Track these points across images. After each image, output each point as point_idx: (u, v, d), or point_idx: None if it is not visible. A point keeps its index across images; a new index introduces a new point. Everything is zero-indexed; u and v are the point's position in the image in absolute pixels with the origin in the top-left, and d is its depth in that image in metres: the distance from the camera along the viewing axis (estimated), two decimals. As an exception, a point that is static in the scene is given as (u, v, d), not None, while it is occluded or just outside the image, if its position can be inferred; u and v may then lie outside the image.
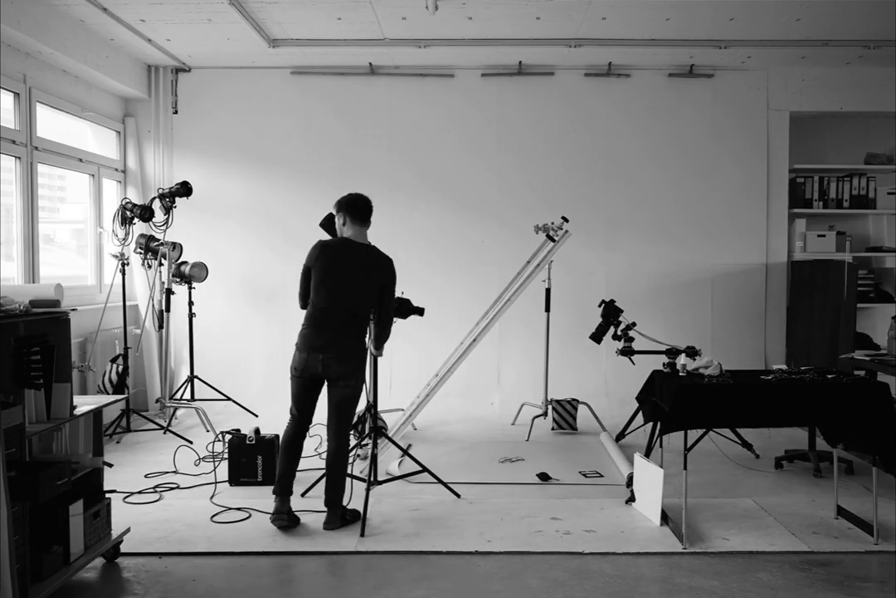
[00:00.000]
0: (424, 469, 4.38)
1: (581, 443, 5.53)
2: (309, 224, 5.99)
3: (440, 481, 4.34)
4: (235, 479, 4.51)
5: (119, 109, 6.50)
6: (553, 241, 5.42)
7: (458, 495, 4.27)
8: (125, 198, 5.99)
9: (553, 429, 5.83)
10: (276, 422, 5.85)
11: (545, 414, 5.88)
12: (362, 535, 3.69)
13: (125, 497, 4.24)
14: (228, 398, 6.26)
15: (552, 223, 5.47)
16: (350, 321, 3.83)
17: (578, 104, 6.57)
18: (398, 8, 5.11)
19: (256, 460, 4.50)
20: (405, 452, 4.53)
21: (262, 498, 4.19)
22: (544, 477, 4.61)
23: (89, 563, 3.23)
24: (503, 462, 4.99)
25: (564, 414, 5.82)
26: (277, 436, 4.58)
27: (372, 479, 4.19)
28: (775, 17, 5.29)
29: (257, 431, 4.55)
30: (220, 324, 6.60)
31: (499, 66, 6.49)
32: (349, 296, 3.82)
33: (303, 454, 3.99)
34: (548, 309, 5.95)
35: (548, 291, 5.93)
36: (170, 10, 5.10)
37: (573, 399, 5.88)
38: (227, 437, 4.63)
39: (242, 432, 4.62)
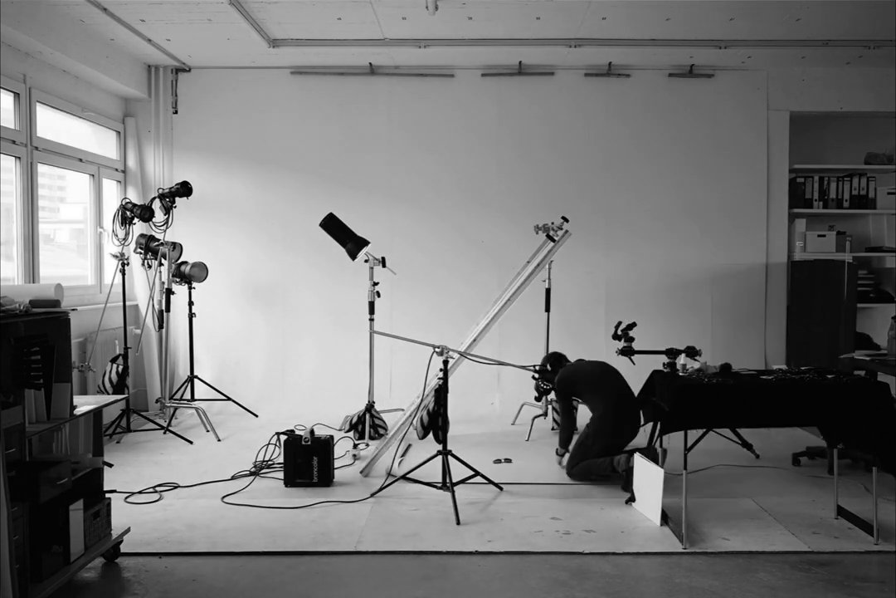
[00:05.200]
0: (476, 472, 4.42)
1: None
2: (309, 224, 6.02)
3: (486, 479, 4.41)
4: (291, 480, 4.47)
5: (119, 109, 6.50)
6: (553, 241, 5.42)
7: (501, 489, 4.41)
8: (125, 198, 5.99)
9: (553, 429, 5.82)
10: (276, 422, 5.89)
11: (545, 414, 5.88)
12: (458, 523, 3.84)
13: (125, 497, 4.24)
14: (228, 398, 6.26)
15: (552, 223, 5.47)
16: None
17: (578, 104, 6.57)
18: (398, 8, 5.11)
19: (312, 461, 4.46)
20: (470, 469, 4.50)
21: (287, 497, 4.20)
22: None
23: (89, 563, 3.23)
24: (497, 463, 4.99)
25: None
26: (332, 437, 4.60)
27: (448, 482, 4.22)
28: (775, 17, 5.29)
29: (312, 432, 4.52)
30: (220, 324, 6.61)
31: (499, 66, 6.49)
32: None
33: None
34: (548, 309, 5.95)
35: (548, 291, 5.93)
36: (170, 10, 5.10)
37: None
38: (283, 438, 4.56)
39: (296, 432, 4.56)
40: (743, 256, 6.62)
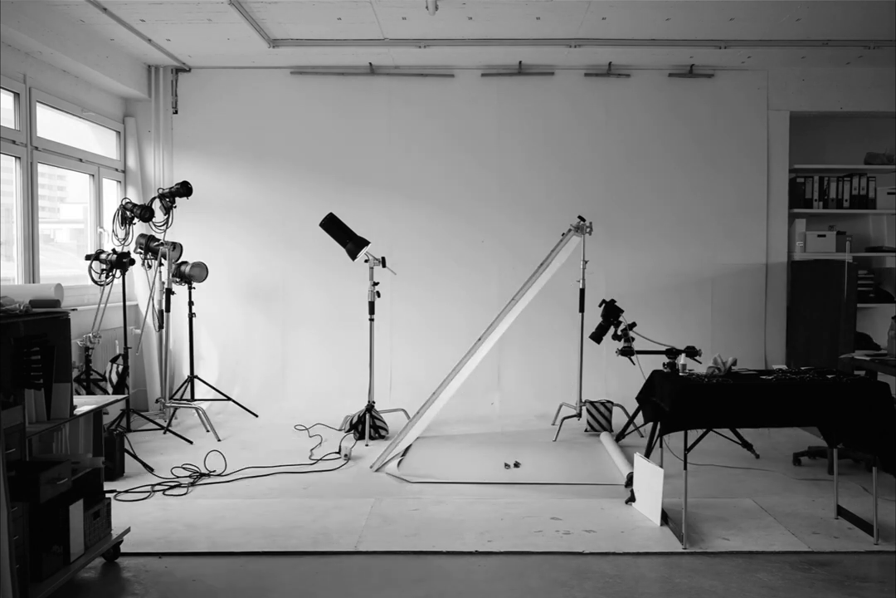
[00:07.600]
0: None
1: (597, 444, 5.52)
2: (308, 224, 6.02)
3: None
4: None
5: (119, 109, 6.50)
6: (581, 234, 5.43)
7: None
8: (125, 198, 5.99)
9: (586, 431, 5.75)
10: (276, 422, 5.90)
11: (579, 415, 5.82)
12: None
13: (115, 495, 4.23)
14: (228, 398, 6.26)
15: (586, 223, 5.50)
16: None
17: (578, 104, 6.57)
18: (398, 8, 5.11)
19: None
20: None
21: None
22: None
23: (89, 563, 3.23)
24: (507, 468, 4.87)
25: (598, 416, 5.73)
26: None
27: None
28: (775, 17, 5.29)
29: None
30: (220, 324, 6.61)
31: (499, 66, 6.49)
32: None
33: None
34: (582, 310, 5.87)
35: (582, 291, 5.86)
36: (170, 10, 5.10)
37: (607, 401, 5.81)
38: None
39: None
40: (743, 256, 6.62)
